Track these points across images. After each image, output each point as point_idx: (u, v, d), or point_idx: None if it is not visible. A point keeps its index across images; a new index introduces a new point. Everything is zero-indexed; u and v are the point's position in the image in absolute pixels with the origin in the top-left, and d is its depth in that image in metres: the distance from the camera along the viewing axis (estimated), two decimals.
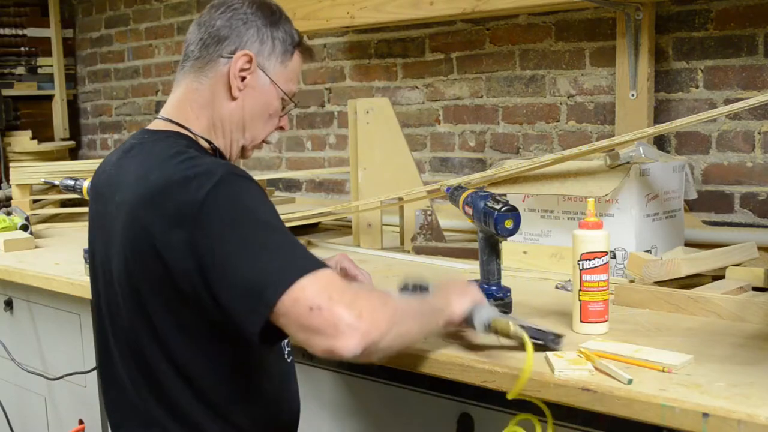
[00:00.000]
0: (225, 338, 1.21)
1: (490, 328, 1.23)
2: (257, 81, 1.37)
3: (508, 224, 1.46)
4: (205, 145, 1.37)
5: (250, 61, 1.35)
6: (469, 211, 1.54)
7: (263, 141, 1.45)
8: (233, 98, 1.37)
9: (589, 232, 1.40)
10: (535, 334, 1.25)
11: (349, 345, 1.03)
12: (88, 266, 2.01)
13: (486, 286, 1.53)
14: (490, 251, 1.53)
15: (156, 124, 1.39)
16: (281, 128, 1.47)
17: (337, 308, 1.04)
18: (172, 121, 1.37)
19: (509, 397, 1.18)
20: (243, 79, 1.36)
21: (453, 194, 1.66)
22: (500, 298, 1.52)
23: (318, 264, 1.09)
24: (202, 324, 1.20)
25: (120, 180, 1.29)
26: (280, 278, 1.06)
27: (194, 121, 1.37)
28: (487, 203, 1.48)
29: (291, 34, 1.41)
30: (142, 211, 1.19)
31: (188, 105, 1.37)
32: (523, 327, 1.24)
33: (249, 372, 1.29)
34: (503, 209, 1.46)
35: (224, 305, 1.12)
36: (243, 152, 1.44)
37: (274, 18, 1.39)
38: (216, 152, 1.39)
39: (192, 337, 1.22)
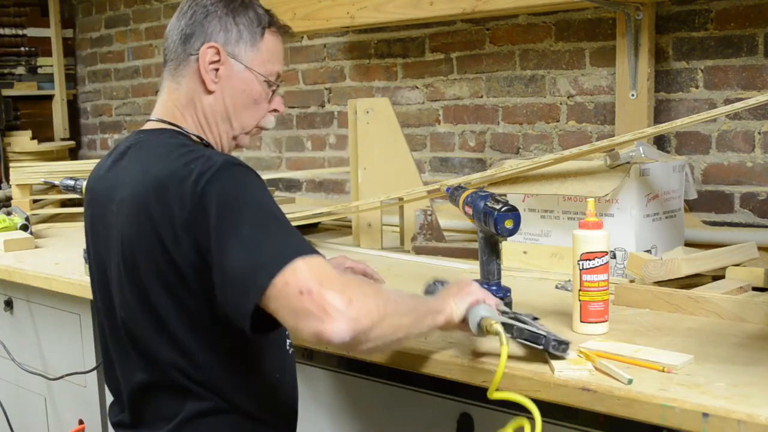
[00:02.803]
0: (226, 326, 1.20)
1: (481, 328, 1.21)
2: (232, 70, 1.39)
3: (508, 224, 1.46)
4: (198, 141, 1.39)
5: (218, 53, 1.37)
6: (469, 211, 1.54)
7: (259, 127, 1.46)
8: (210, 92, 1.38)
9: (589, 232, 1.40)
10: (532, 337, 1.22)
11: (337, 329, 1.03)
12: (87, 267, 2.03)
13: (486, 286, 1.54)
14: (490, 251, 1.53)
15: (149, 125, 1.41)
16: (276, 110, 1.47)
17: (327, 292, 1.04)
18: (164, 121, 1.39)
19: (489, 396, 1.15)
20: (216, 71, 1.38)
21: (453, 194, 1.66)
22: (500, 298, 1.52)
23: (310, 250, 1.10)
24: (206, 314, 1.22)
25: (119, 180, 1.31)
26: (272, 262, 1.07)
27: (182, 121, 1.39)
28: (487, 203, 1.49)
29: (257, 17, 1.41)
30: (147, 205, 1.21)
31: (173, 106, 1.40)
32: (521, 328, 1.23)
33: (248, 360, 1.31)
34: (503, 209, 1.46)
35: (218, 292, 1.13)
36: (236, 141, 1.45)
37: (235, 4, 1.39)
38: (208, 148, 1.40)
39: (196, 327, 1.24)
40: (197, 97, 1.39)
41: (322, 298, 1.04)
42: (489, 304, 1.30)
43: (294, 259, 1.07)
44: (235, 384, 1.29)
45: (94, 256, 1.39)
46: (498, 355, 1.16)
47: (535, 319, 1.38)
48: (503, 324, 1.22)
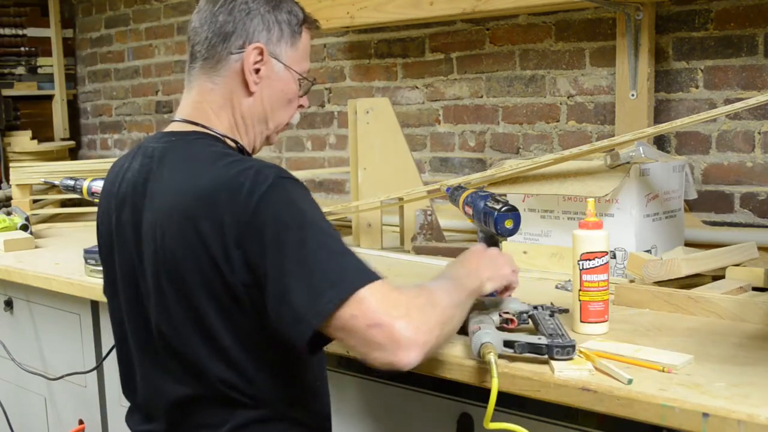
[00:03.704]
0: (275, 340, 1.20)
1: (480, 354, 1.23)
2: (272, 70, 1.35)
3: (509, 224, 1.47)
4: (231, 144, 1.35)
5: (261, 53, 1.33)
6: (469, 211, 1.54)
7: (288, 124, 1.44)
8: (251, 93, 1.34)
9: (589, 232, 1.40)
10: (534, 350, 1.23)
11: (410, 358, 1.06)
12: (87, 267, 2.03)
13: None
14: None
15: (176, 126, 1.35)
16: (301, 106, 1.45)
17: (397, 324, 1.05)
18: (194, 123, 1.34)
19: (485, 425, 1.16)
20: (257, 71, 1.33)
21: (453, 194, 1.66)
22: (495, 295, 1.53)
23: (371, 274, 1.11)
24: (256, 328, 1.20)
25: (155, 187, 1.26)
26: (335, 290, 1.07)
27: (216, 122, 1.34)
28: (487, 203, 1.49)
29: (295, 13, 1.38)
30: (195, 218, 1.18)
31: (206, 106, 1.34)
32: (523, 344, 1.24)
33: (295, 370, 1.30)
34: (503, 209, 1.46)
35: (274, 314, 1.12)
36: (267, 140, 1.43)
37: (276, 2, 1.36)
38: (242, 151, 1.37)
39: (245, 340, 1.22)
40: (236, 99, 1.34)
41: (392, 329, 1.05)
42: (493, 320, 1.32)
43: (358, 289, 1.07)
44: (282, 394, 1.27)
45: (120, 265, 1.33)
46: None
47: (553, 313, 1.39)
48: (506, 341, 1.24)
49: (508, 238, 1.51)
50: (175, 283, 1.21)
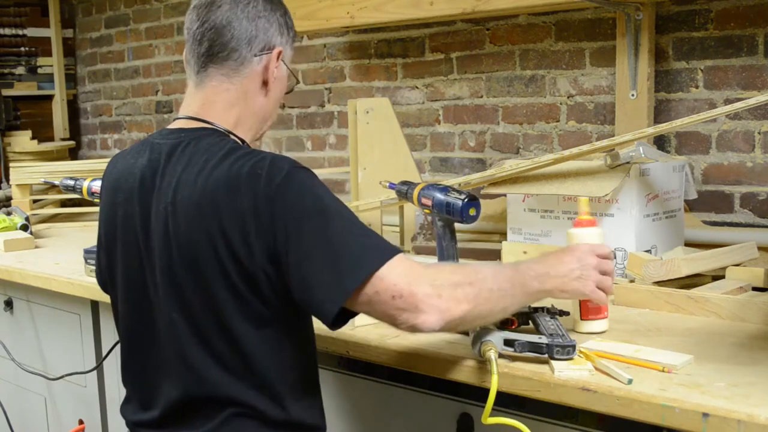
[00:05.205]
0: (292, 329, 1.28)
1: (480, 352, 1.24)
2: (281, 72, 1.42)
3: (472, 212, 1.57)
4: (236, 140, 1.37)
5: (279, 55, 1.39)
6: (428, 202, 1.65)
7: None
8: (267, 93, 1.40)
9: (582, 230, 1.41)
10: (534, 349, 1.25)
11: (429, 321, 1.14)
12: (87, 267, 2.03)
13: None
14: (450, 237, 1.67)
15: (182, 123, 1.37)
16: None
17: (417, 290, 1.14)
18: (201, 120, 1.36)
19: (483, 421, 1.18)
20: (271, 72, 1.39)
21: (400, 189, 1.79)
22: None
23: (390, 251, 1.17)
24: (270, 315, 1.24)
25: (165, 180, 1.29)
26: (357, 269, 1.15)
27: (223, 119, 1.37)
28: (449, 194, 1.60)
29: (291, 16, 1.45)
30: (213, 209, 1.21)
31: (217, 104, 1.37)
32: (523, 343, 1.25)
33: (309, 362, 1.34)
34: (466, 199, 1.56)
35: (300, 295, 1.19)
36: (258, 137, 1.47)
37: (284, 8, 1.43)
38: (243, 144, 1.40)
39: (260, 327, 1.25)
40: (250, 98, 1.38)
41: (414, 296, 1.14)
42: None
43: (379, 267, 1.15)
44: (278, 386, 1.28)
45: (125, 258, 1.35)
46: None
47: (554, 315, 1.40)
48: (507, 340, 1.25)
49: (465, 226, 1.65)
50: (193, 274, 1.24)
